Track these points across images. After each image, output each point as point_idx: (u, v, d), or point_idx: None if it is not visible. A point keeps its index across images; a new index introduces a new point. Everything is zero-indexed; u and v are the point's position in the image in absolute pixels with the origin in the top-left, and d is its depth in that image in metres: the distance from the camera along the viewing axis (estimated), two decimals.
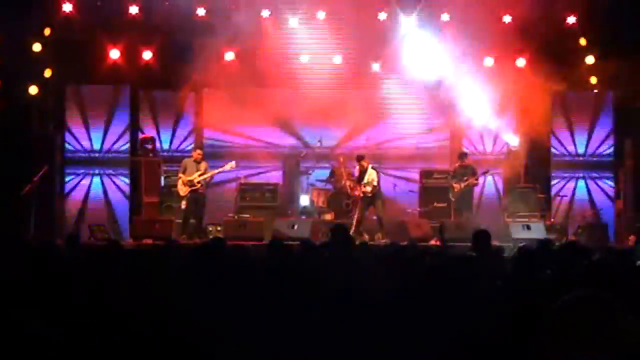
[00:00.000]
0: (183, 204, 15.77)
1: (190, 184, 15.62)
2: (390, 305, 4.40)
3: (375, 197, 16.01)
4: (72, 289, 5.05)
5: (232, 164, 16.07)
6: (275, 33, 17.55)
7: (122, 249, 7.47)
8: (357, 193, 16.31)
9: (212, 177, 15.94)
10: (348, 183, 16.67)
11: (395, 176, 17.89)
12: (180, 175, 15.75)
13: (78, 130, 17.51)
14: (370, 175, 16.02)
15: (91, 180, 17.52)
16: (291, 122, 18.30)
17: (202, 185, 15.69)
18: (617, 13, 16.62)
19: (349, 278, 5.34)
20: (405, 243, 11.21)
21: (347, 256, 7.20)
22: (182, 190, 15.68)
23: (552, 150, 17.72)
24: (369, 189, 16.02)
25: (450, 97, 17.70)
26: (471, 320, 4.20)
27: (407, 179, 18.03)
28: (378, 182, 16.06)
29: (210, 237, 15.26)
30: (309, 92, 17.92)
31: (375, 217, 16.25)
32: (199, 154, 15.89)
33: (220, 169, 16.05)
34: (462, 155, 16.62)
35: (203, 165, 15.79)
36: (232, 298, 4.54)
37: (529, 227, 15.31)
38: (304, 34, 17.85)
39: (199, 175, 15.63)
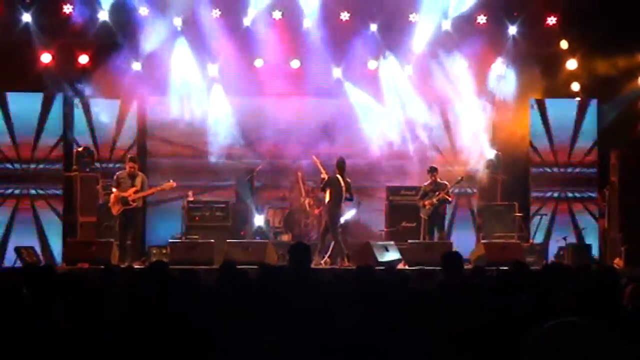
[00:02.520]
0: (117, 225, 15.58)
1: (123, 201, 15.38)
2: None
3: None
4: None
5: (171, 183, 15.90)
6: (228, 34, 17.57)
7: (56, 274, 7.38)
8: (317, 212, 16.34)
9: (149, 195, 15.90)
10: (307, 201, 16.66)
11: (358, 193, 17.88)
12: (114, 190, 15.47)
13: (3, 141, 17.29)
14: None
15: (18, 198, 17.33)
16: (246, 133, 18.26)
17: (137, 203, 15.50)
18: (601, 13, 16.75)
19: (311, 304, 5.35)
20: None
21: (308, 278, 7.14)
22: (115, 207, 15.40)
23: (531, 164, 17.88)
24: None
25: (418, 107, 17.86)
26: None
27: (372, 197, 18.09)
28: (324, 200, 15.78)
29: (154, 259, 15.21)
30: (264, 100, 17.96)
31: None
32: (132, 167, 15.55)
33: (159, 188, 15.93)
34: (432, 170, 16.53)
35: (139, 179, 15.49)
36: (180, 330, 4.52)
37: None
38: (259, 35, 17.86)
39: (134, 192, 15.38)
